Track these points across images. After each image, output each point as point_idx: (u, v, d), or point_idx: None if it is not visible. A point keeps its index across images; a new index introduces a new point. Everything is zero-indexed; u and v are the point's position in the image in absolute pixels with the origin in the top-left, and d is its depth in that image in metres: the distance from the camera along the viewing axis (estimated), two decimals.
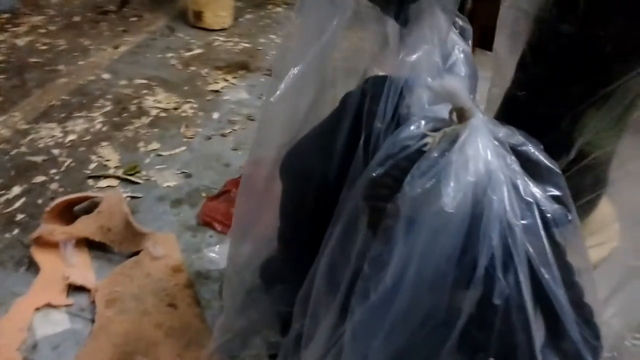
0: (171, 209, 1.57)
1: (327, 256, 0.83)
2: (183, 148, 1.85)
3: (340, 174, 0.84)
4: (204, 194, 1.63)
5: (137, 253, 1.37)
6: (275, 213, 1.09)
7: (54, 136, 1.84)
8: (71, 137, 1.84)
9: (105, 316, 1.20)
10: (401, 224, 0.66)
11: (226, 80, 2.31)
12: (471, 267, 0.63)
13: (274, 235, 1.14)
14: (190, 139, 1.90)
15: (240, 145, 1.89)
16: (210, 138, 1.92)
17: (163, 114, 2.03)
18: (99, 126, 1.92)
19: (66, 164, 1.71)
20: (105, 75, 2.25)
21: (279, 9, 3.11)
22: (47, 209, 1.37)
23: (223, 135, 1.95)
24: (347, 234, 0.78)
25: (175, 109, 2.07)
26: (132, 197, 1.59)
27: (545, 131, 0.74)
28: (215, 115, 2.06)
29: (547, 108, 0.89)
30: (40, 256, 1.32)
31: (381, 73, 0.85)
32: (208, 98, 2.17)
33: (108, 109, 2.02)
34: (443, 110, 0.71)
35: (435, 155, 0.64)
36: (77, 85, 2.16)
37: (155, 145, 1.85)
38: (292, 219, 0.98)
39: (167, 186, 1.65)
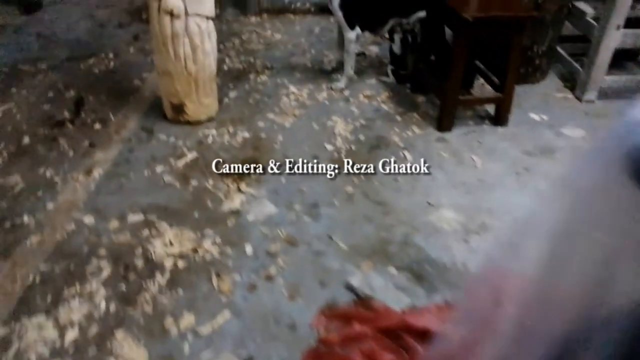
0: None
1: None
2: (226, 313, 1.38)
3: None
4: None
5: None
6: None
7: (46, 338, 1.32)
8: (71, 334, 1.33)
9: None
10: None
11: (241, 191, 1.85)
12: None
13: None
14: (229, 296, 1.44)
15: (297, 290, 1.44)
16: (254, 287, 1.46)
17: (182, 263, 1.55)
18: (103, 305, 1.41)
19: None
20: (88, 219, 1.73)
21: (263, 77, 2.68)
22: None
23: (268, 277, 1.49)
24: None
25: (194, 250, 1.59)
26: None
27: None
28: (249, 249, 1.60)
29: None
30: None
31: None
32: (229, 224, 1.70)
33: (107, 272, 1.52)
34: None
35: None
36: (54, 243, 1.64)
37: (188, 318, 1.37)
38: None
39: None
